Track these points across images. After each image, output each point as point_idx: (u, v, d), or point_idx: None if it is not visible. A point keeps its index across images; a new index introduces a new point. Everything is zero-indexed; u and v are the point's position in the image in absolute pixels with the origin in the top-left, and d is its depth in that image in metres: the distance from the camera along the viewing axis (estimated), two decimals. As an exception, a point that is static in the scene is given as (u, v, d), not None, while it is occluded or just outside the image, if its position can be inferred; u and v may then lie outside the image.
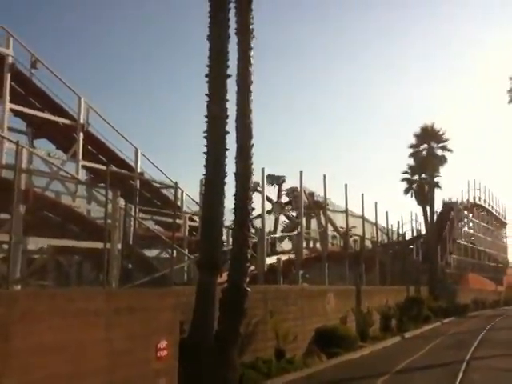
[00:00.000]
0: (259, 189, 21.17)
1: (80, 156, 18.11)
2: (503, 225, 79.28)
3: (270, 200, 29.69)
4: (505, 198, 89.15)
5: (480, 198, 68.50)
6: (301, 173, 23.14)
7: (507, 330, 27.16)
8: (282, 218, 32.17)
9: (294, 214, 30.21)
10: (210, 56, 12.00)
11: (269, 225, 24.86)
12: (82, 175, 19.03)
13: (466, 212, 63.78)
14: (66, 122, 18.51)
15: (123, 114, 79.58)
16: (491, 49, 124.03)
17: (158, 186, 21.09)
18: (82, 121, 18.43)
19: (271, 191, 33.62)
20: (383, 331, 23.77)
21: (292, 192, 33.26)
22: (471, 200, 65.82)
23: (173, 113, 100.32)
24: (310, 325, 17.07)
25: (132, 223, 14.15)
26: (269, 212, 27.16)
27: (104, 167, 16.33)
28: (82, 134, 18.45)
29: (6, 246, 11.62)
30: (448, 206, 58.49)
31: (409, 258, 38.77)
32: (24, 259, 12.23)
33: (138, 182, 18.85)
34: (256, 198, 14.12)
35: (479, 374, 13.79)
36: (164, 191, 21.60)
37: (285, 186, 36.05)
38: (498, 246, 76.26)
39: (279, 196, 35.49)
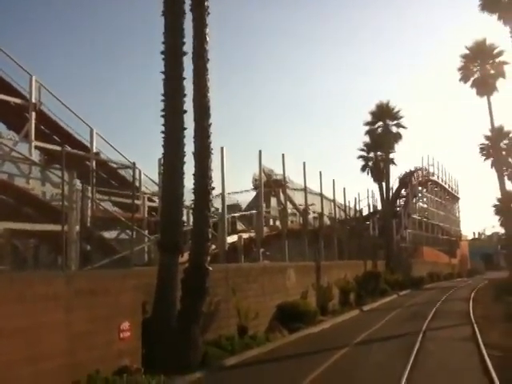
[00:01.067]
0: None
1: (33, 136, 17.57)
2: (456, 199, 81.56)
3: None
4: (457, 174, 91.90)
5: (433, 174, 70.14)
6: (260, 152, 23.13)
7: (461, 301, 28.12)
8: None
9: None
10: (164, 33, 11.81)
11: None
12: (36, 156, 18.50)
13: (420, 187, 65.21)
14: (17, 101, 17.90)
15: (79, 96, 77.59)
16: (444, 30, 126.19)
17: (115, 166, 20.72)
18: (34, 100, 17.85)
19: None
20: (342, 305, 24.27)
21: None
22: (424, 174, 67.23)
23: (130, 92, 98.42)
24: (271, 301, 17.27)
25: (89, 205, 13.89)
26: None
27: (59, 148, 15.91)
28: (34, 114, 17.89)
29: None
30: (405, 178, 59.77)
31: (366, 234, 39.55)
32: (-22, 244, 11.89)
33: (94, 162, 18.48)
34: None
35: (435, 344, 14.25)
36: (122, 172, 21.24)
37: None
38: (451, 219, 78.47)
39: None
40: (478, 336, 14.82)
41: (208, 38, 12.19)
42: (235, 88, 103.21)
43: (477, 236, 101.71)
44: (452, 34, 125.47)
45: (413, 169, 63.35)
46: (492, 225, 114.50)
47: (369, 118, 45.19)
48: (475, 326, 17.09)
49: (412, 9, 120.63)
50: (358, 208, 40.74)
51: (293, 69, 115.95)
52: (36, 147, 17.99)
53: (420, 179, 64.42)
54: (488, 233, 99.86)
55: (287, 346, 14.63)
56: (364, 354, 13.08)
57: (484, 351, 12.36)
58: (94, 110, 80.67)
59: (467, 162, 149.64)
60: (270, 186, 26.70)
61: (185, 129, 11.77)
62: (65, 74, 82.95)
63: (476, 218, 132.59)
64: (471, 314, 20.75)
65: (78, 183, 13.75)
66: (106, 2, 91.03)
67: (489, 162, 49.06)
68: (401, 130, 45.13)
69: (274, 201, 28.96)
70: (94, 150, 19.27)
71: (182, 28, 11.90)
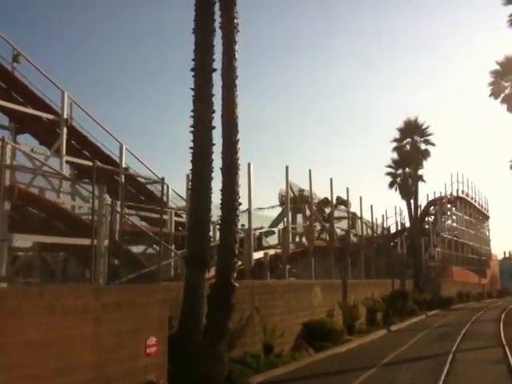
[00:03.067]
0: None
1: (64, 151, 17.88)
2: (486, 218, 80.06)
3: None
4: (487, 191, 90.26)
5: (463, 192, 69.07)
6: (287, 167, 23.08)
7: (491, 323, 27.47)
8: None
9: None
10: (195, 50, 11.94)
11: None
12: (66, 171, 18.79)
13: (449, 205, 64.24)
14: (50, 116, 18.23)
15: (110, 111, 79.08)
16: (474, 45, 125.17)
17: (143, 181, 20.92)
18: (65, 115, 18.18)
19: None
20: (369, 324, 23.93)
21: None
22: (454, 193, 66.30)
23: (159, 108, 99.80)
24: (297, 319, 17.12)
25: (118, 219, 14.00)
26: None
27: (88, 162, 16.15)
28: (65, 129, 18.22)
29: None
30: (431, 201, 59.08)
31: (393, 252, 39.03)
32: (9, 256, 12.06)
33: (123, 177, 18.68)
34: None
35: (465, 366, 13.94)
36: (149, 186, 21.42)
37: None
38: (481, 238, 76.92)
39: None
40: (510, 358, 14.46)
41: (237, 55, 12.28)
42: (263, 104, 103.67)
43: (507, 255, 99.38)
44: (482, 49, 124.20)
45: (442, 186, 62.63)
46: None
47: (397, 134, 44.90)
48: (506, 348, 16.67)
49: (441, 24, 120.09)
50: (385, 225, 40.34)
51: (321, 84, 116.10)
52: (67, 162, 18.30)
53: (449, 197, 63.52)
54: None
55: (313, 366, 14.44)
56: (392, 376, 12.82)
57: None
58: (124, 124, 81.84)
59: (497, 180, 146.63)
60: (296, 202, 26.61)
61: (213, 144, 11.84)
62: (91, 87, 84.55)
63: (507, 237, 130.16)
64: (502, 336, 20.26)
65: (107, 198, 13.89)
66: (135, 15, 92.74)
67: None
68: (430, 147, 44.76)
69: (300, 217, 28.86)
70: (123, 165, 19.50)
71: (212, 45, 12.02)
